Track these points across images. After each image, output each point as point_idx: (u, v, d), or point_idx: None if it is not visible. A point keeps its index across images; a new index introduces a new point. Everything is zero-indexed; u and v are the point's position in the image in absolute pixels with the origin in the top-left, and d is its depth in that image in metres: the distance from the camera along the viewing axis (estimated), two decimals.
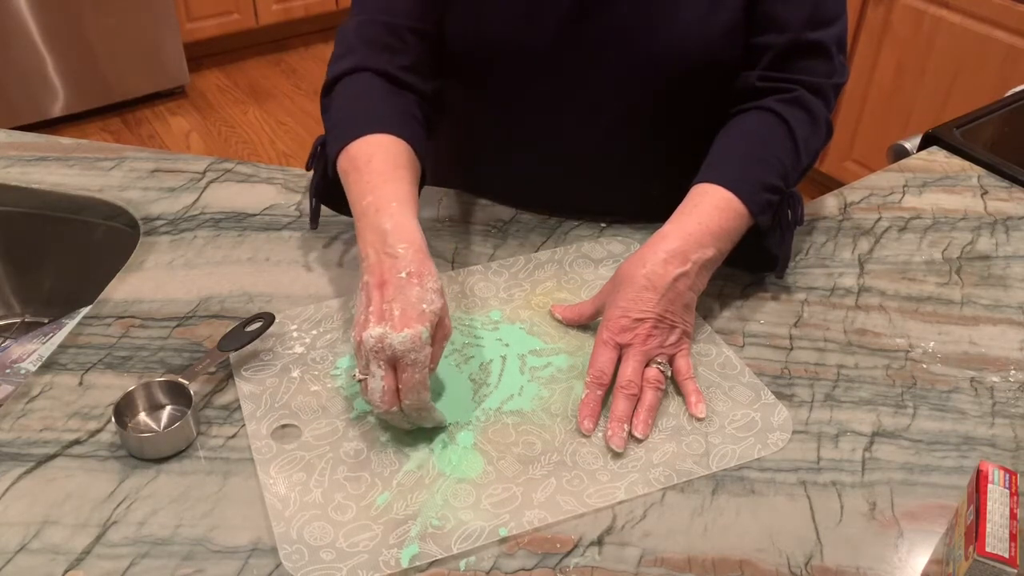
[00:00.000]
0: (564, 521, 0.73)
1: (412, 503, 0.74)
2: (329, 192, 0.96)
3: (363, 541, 0.70)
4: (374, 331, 0.74)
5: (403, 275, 0.77)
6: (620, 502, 0.75)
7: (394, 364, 0.74)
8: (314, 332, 0.90)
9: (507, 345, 0.89)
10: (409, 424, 0.78)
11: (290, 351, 0.88)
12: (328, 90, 0.97)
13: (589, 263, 1.00)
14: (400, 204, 0.83)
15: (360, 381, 0.76)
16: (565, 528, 0.72)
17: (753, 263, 0.97)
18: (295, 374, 0.85)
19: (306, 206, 1.07)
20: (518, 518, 0.73)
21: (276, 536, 0.71)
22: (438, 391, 0.84)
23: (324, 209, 1.00)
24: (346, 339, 0.89)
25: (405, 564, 0.69)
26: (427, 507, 0.73)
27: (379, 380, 0.74)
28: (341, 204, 0.93)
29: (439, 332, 0.77)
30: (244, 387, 0.83)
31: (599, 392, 0.82)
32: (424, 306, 0.75)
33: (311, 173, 0.98)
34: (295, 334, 0.90)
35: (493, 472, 0.76)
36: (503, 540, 0.71)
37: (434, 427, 0.79)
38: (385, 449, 0.78)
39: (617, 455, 0.78)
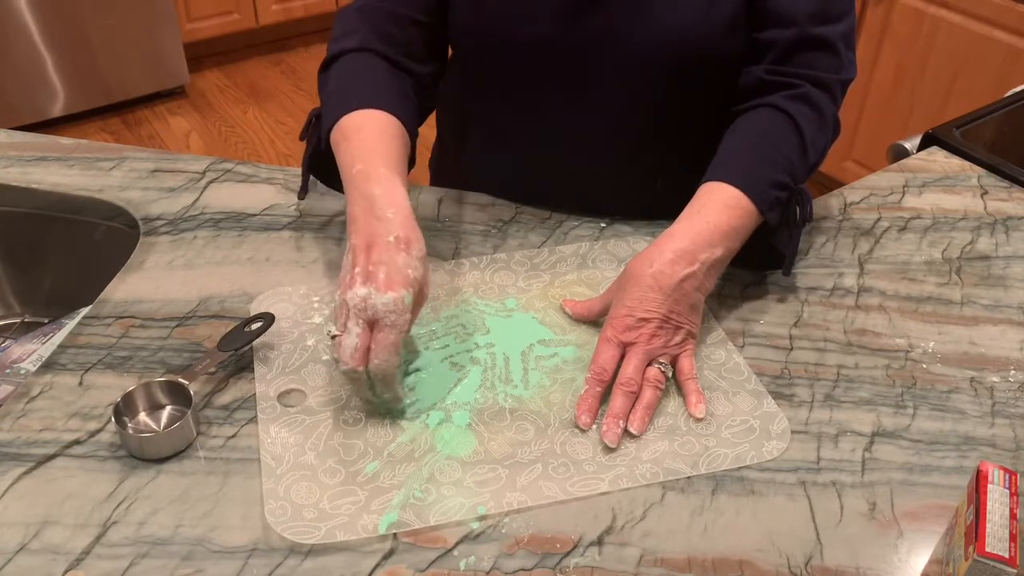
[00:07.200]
0: (561, 519, 0.73)
1: (399, 474, 0.76)
2: (320, 164, 0.98)
3: (346, 505, 0.73)
4: (359, 291, 0.76)
5: (391, 239, 0.79)
6: (602, 494, 0.75)
7: (372, 324, 0.76)
8: (334, 304, 0.92)
9: (517, 333, 0.91)
10: (370, 393, 0.79)
11: (309, 320, 0.91)
12: (326, 66, 0.99)
13: (613, 260, 1.01)
14: (388, 170, 0.85)
15: (334, 338, 0.78)
16: (565, 528, 0.72)
17: (760, 261, 0.96)
18: (310, 343, 0.88)
19: (306, 206, 1.07)
20: (498, 498, 0.74)
21: (264, 491, 0.73)
22: (440, 369, 0.86)
23: (324, 207, 1.00)
24: None
25: (382, 530, 0.71)
26: (413, 479, 0.75)
27: (354, 337, 0.76)
28: (332, 177, 0.95)
29: (418, 299, 0.80)
30: (260, 350, 0.86)
31: (599, 389, 0.82)
32: (409, 271, 0.78)
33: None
34: (316, 305, 0.93)
35: (483, 452, 0.78)
36: (483, 519, 0.71)
37: (393, 405, 0.81)
38: (382, 421, 0.81)
39: (608, 449, 0.78)
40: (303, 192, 1.01)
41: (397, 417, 0.81)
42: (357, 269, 0.78)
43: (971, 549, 0.65)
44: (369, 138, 0.89)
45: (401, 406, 0.81)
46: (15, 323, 1.19)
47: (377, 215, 0.80)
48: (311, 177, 1.02)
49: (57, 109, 3.00)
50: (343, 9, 1.02)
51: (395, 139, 0.90)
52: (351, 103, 0.91)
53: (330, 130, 0.92)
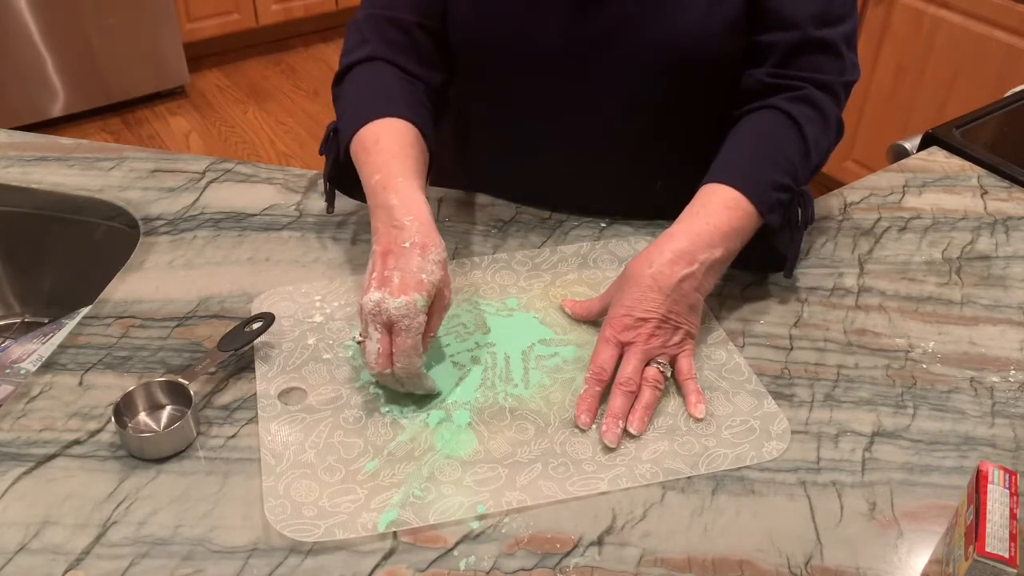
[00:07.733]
0: (561, 519, 0.73)
1: (399, 473, 0.76)
2: (342, 176, 0.98)
3: (345, 503, 0.73)
4: (373, 296, 0.78)
5: (406, 245, 0.81)
6: (602, 493, 0.75)
7: (390, 328, 0.78)
8: (335, 304, 0.93)
9: (517, 332, 0.91)
10: (403, 388, 0.81)
11: (310, 319, 0.91)
12: (340, 79, 1.00)
13: (614, 260, 1.01)
14: (406, 179, 0.87)
15: (359, 343, 0.81)
16: (565, 528, 0.72)
17: (762, 263, 0.96)
18: (311, 341, 0.89)
19: (306, 205, 1.07)
20: (497, 498, 0.74)
21: (264, 489, 0.74)
22: (441, 368, 0.87)
23: (324, 207, 1.00)
24: None
25: (382, 529, 0.71)
26: (412, 478, 0.76)
27: (375, 343, 0.78)
28: (354, 188, 0.96)
29: (438, 302, 0.82)
30: (260, 349, 0.87)
31: (598, 388, 0.82)
32: (423, 276, 0.79)
33: (322, 164, 1.00)
34: (317, 303, 0.93)
35: (483, 451, 0.78)
36: (482, 518, 0.71)
37: (426, 395, 0.83)
38: (383, 419, 0.81)
39: (608, 449, 0.78)
40: (331, 206, 1.01)
41: (433, 400, 0.82)
42: (374, 275, 0.80)
43: (971, 549, 0.65)
44: (387, 148, 0.90)
45: (436, 392, 0.83)
46: (15, 323, 1.19)
47: (395, 224, 0.83)
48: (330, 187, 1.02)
49: (57, 109, 3.00)
50: (351, 21, 1.02)
51: (412, 147, 0.91)
52: (368, 114, 0.92)
53: (349, 142, 0.93)
